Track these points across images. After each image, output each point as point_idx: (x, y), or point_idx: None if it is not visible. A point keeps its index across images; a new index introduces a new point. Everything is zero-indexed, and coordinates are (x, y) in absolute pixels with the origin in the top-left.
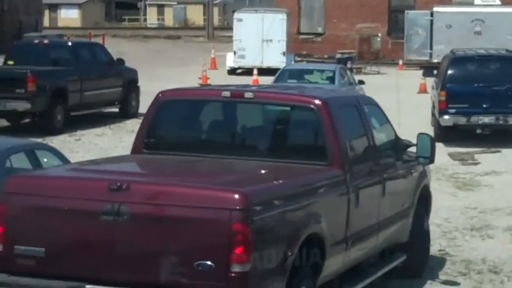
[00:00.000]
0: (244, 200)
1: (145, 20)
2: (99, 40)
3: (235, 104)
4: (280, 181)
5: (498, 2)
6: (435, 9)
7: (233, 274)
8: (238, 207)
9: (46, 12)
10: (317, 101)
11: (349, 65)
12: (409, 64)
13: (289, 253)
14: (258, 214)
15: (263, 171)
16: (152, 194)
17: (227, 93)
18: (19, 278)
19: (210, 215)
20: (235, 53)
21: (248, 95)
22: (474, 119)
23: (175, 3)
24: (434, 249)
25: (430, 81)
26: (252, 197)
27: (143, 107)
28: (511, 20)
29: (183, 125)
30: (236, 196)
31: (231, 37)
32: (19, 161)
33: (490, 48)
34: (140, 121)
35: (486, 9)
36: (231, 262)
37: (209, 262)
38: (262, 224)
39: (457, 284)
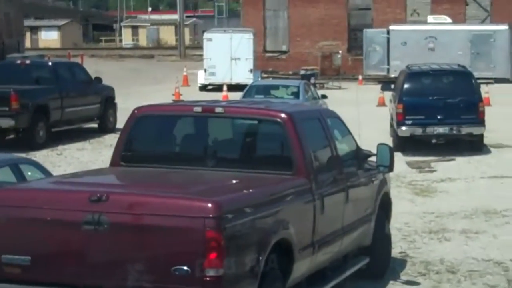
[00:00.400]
0: (216, 208)
1: (120, 40)
2: (77, 60)
3: (206, 118)
4: (250, 190)
5: (449, 21)
6: (391, 27)
7: (207, 278)
8: (211, 215)
9: (28, 34)
10: (282, 115)
11: (312, 80)
12: (368, 79)
13: (260, 258)
14: (230, 221)
15: (233, 181)
16: (130, 204)
17: (198, 109)
18: (6, 285)
19: (185, 223)
20: (205, 70)
21: (218, 110)
22: (429, 129)
23: (149, 24)
24: (395, 252)
25: (388, 95)
26: (224, 206)
27: (120, 123)
28: (462, 37)
29: (158, 139)
30: (209, 205)
31: (201, 55)
32: (4, 175)
33: (443, 63)
34: (118, 135)
35: (438, 27)
36: (206, 267)
37: (185, 267)
38: (234, 231)
39: (417, 284)
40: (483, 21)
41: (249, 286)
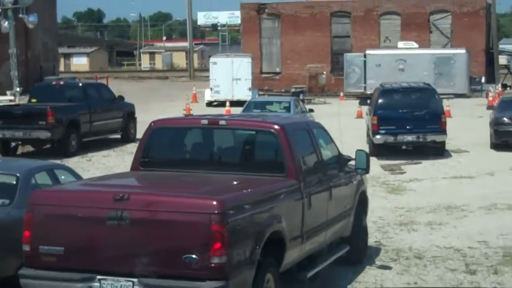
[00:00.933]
0: (220, 205)
1: (140, 64)
2: (103, 81)
3: (212, 129)
4: (249, 190)
5: (416, 46)
6: (368, 52)
7: (213, 265)
8: (216, 212)
9: (62, 60)
10: (276, 126)
11: (301, 97)
12: (348, 96)
13: (257, 247)
14: (232, 216)
15: (235, 182)
16: (148, 203)
17: (205, 121)
18: (44, 272)
19: (194, 218)
20: (211, 89)
21: (222, 122)
22: (400, 138)
23: (163, 50)
24: (371, 241)
25: (365, 109)
26: (227, 203)
27: (140, 134)
28: (427, 59)
29: (171, 147)
30: (214, 202)
31: (208, 76)
32: (42, 178)
33: (411, 81)
34: (137, 144)
35: (407, 51)
36: (211, 255)
37: (194, 256)
38: (235, 225)
39: (389, 268)
40: (444, 46)
41: (248, 271)
